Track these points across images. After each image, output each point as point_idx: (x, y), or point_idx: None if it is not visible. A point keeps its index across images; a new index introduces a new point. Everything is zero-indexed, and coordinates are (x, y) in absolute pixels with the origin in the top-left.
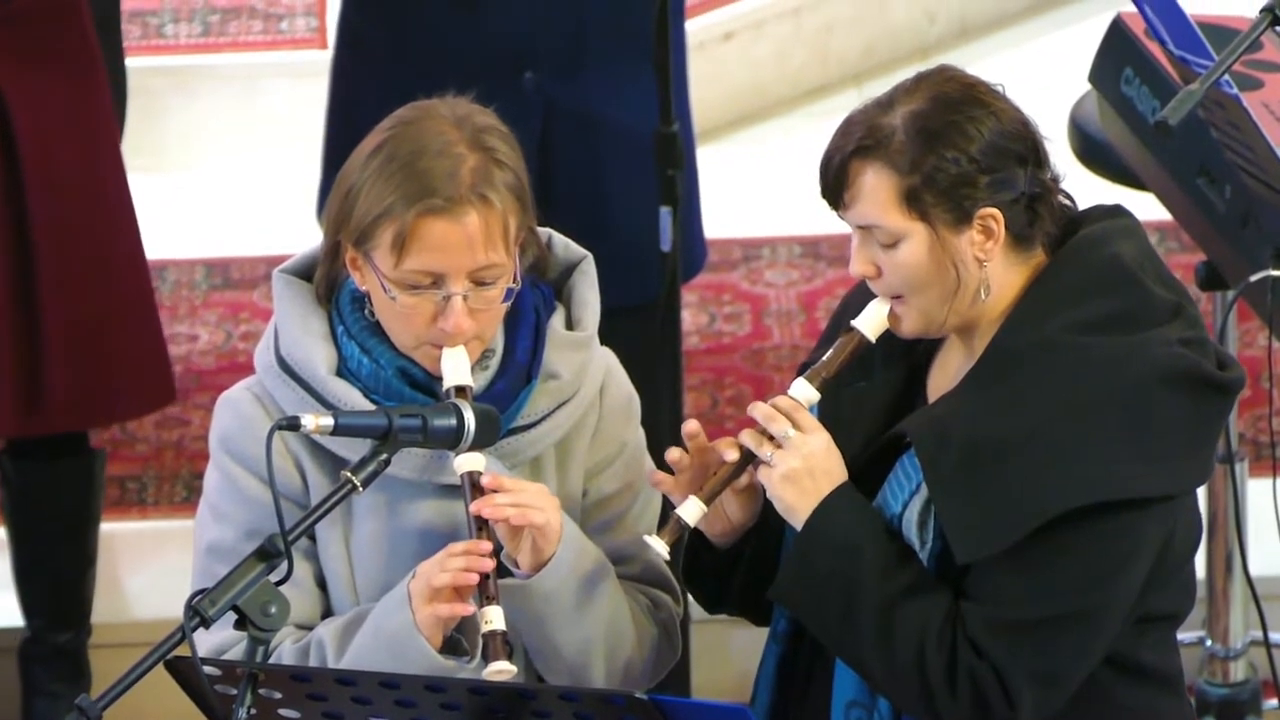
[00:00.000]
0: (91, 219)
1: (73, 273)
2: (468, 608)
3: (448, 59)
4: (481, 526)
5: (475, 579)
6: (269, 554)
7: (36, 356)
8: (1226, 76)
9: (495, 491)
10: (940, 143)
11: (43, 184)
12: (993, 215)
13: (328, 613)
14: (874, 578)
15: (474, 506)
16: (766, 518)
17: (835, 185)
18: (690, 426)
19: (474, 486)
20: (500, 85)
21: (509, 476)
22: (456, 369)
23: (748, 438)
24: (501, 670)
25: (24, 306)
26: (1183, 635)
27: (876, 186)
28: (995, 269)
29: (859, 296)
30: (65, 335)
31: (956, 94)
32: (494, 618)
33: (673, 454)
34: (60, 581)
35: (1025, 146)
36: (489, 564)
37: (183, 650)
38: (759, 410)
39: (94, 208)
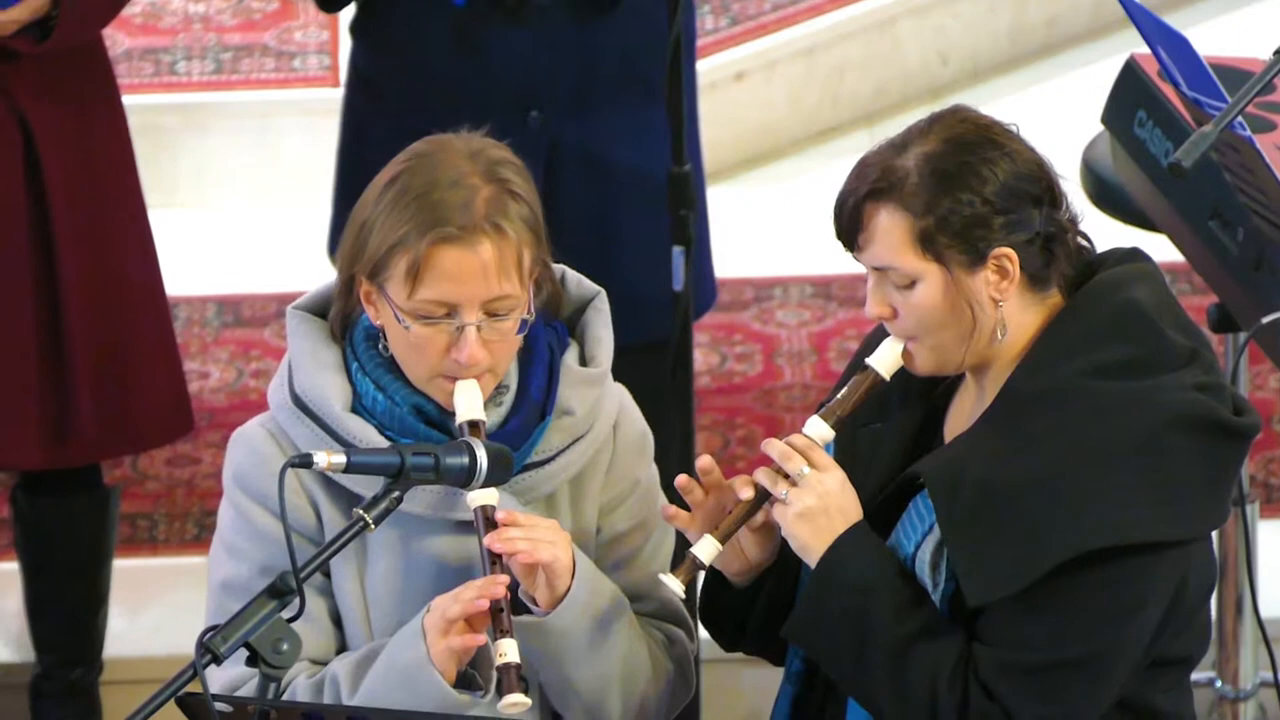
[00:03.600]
0: (115, 252)
1: (98, 306)
2: (481, 639)
3: (453, 99)
4: (495, 561)
5: (486, 606)
6: (281, 591)
7: (64, 390)
8: (1240, 119)
9: (509, 526)
10: (954, 184)
11: (69, 220)
12: (1007, 255)
13: (343, 648)
14: (887, 618)
15: (486, 540)
16: (784, 557)
17: (850, 227)
18: (704, 462)
19: (487, 521)
20: (505, 125)
21: (523, 513)
22: (469, 403)
23: (763, 475)
24: (516, 703)
25: (52, 341)
26: (1193, 676)
27: (891, 228)
28: (1011, 309)
29: (879, 336)
30: (92, 368)
31: (971, 135)
32: (508, 651)
33: (682, 480)
34: (73, 617)
35: (1040, 187)
36: (501, 591)
37: (194, 687)
38: (774, 448)
39: (117, 241)
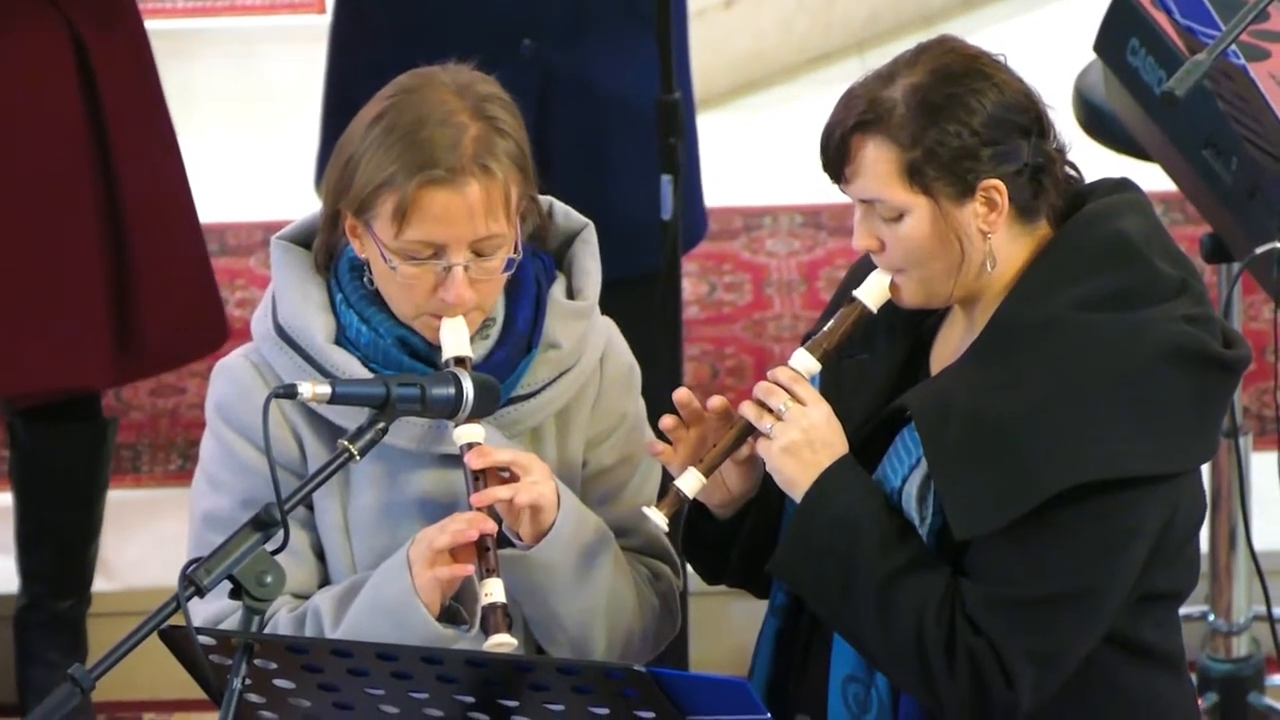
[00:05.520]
0: (163, 166)
1: (153, 219)
2: (467, 569)
3: (445, 28)
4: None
5: (475, 536)
6: (265, 523)
7: (129, 305)
8: (1233, 47)
9: (491, 469)
10: (942, 116)
11: (125, 133)
12: (995, 187)
13: (325, 582)
14: (873, 553)
15: (474, 499)
16: (767, 489)
17: (836, 159)
18: (681, 395)
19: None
20: (498, 53)
21: (507, 447)
22: (456, 339)
23: (748, 409)
24: (502, 643)
25: (116, 257)
26: (1185, 610)
27: (878, 160)
28: (1000, 241)
29: (865, 268)
30: (153, 280)
31: (958, 66)
32: (494, 590)
33: (667, 421)
34: (64, 548)
35: (1028, 118)
36: (491, 525)
37: (177, 620)
38: (760, 385)
39: (163, 154)
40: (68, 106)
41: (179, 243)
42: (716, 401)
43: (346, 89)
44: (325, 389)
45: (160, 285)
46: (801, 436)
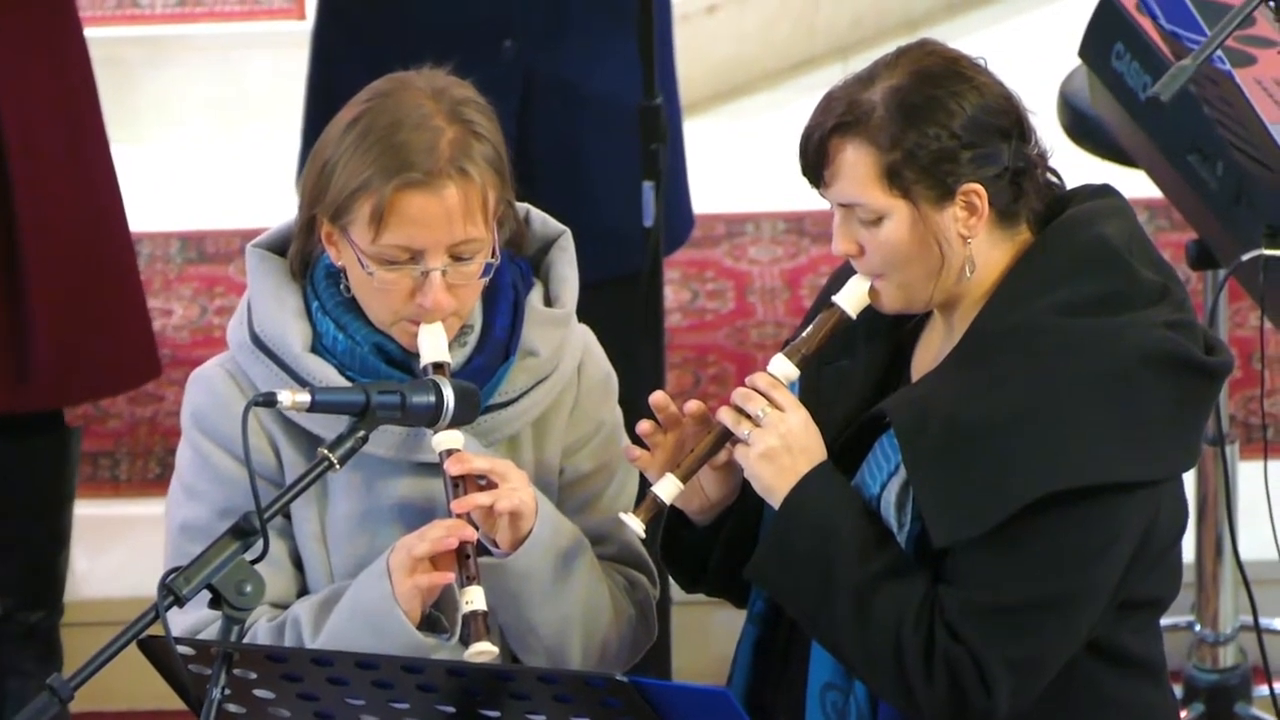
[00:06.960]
0: (74, 193)
1: (57, 247)
2: (447, 576)
3: (426, 29)
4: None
5: (455, 544)
6: (244, 532)
7: (22, 332)
8: (1219, 52)
9: (470, 476)
10: (921, 118)
11: (26, 160)
12: (976, 191)
13: (303, 592)
14: (851, 559)
15: (454, 506)
16: (746, 495)
17: (815, 162)
18: (658, 398)
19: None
20: (479, 55)
21: (485, 455)
22: (434, 346)
23: (725, 415)
24: (483, 651)
25: (7, 281)
26: (1172, 620)
27: (857, 163)
28: (980, 246)
29: (846, 274)
30: (50, 310)
31: (938, 68)
32: (475, 598)
33: (644, 426)
34: (33, 560)
35: (1008, 121)
36: (471, 533)
37: (156, 629)
38: (738, 391)
39: (76, 181)
40: None
41: (95, 273)
42: (694, 406)
43: (328, 94)
44: (305, 397)
45: (64, 317)
46: (779, 442)
